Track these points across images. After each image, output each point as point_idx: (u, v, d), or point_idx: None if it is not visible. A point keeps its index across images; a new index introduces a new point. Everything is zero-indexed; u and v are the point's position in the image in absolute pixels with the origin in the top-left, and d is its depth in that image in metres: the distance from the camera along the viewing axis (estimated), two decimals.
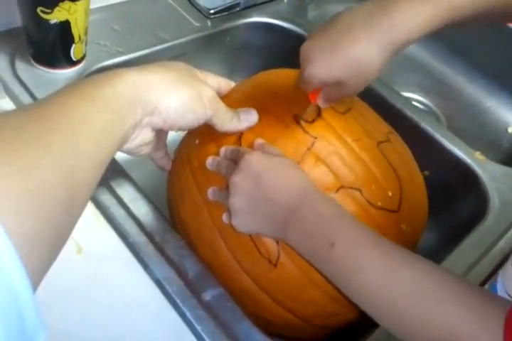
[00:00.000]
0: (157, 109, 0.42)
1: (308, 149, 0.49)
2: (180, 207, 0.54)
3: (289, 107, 0.52)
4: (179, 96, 0.43)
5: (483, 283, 0.56)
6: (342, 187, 0.49)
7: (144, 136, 0.45)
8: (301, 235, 0.43)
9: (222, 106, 0.48)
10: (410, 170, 0.56)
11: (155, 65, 0.45)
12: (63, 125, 0.33)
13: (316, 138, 0.50)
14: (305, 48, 0.44)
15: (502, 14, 0.45)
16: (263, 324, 0.50)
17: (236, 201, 0.46)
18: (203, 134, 0.51)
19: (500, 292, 0.43)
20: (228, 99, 0.52)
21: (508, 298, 0.41)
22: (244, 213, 0.46)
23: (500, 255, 0.60)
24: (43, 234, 0.28)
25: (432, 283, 0.38)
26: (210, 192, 0.50)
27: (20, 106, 0.60)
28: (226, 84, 0.54)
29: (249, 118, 0.50)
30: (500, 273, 0.44)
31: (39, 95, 0.61)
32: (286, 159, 0.47)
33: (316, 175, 0.48)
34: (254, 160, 0.45)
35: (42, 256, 0.28)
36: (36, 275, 0.27)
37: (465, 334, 0.34)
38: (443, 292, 0.37)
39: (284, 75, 0.58)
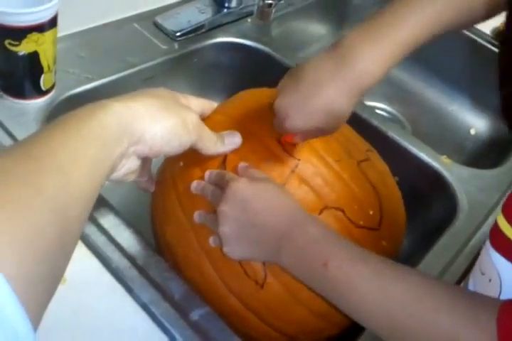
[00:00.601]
0: (143, 137, 0.42)
1: (292, 171, 0.51)
2: (165, 230, 0.54)
3: (271, 129, 0.52)
4: (165, 124, 0.44)
5: (458, 282, 0.58)
6: (325, 207, 0.50)
7: (131, 165, 0.46)
8: (294, 257, 0.45)
9: (206, 131, 0.48)
10: (389, 186, 0.57)
11: (138, 93, 0.45)
12: (51, 165, 0.33)
13: (299, 160, 0.51)
14: (279, 105, 0.47)
15: (468, 20, 0.48)
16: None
17: (226, 229, 0.47)
18: (187, 157, 0.52)
19: None
20: (211, 121, 0.53)
21: None
22: (235, 241, 0.47)
23: (473, 254, 0.62)
24: (40, 275, 0.29)
25: (426, 293, 0.40)
26: (197, 215, 0.51)
27: (2, 148, 0.60)
28: (209, 105, 0.55)
29: (233, 141, 0.51)
30: (470, 279, 0.46)
31: (10, 126, 0.61)
32: (271, 184, 0.49)
33: (300, 196, 0.50)
34: (240, 187, 0.47)
35: (40, 297, 0.29)
36: (36, 317, 0.28)
37: (465, 338, 0.36)
38: (438, 301, 0.39)
39: (264, 96, 0.59)
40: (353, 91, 0.45)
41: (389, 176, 0.59)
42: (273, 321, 0.51)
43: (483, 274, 0.43)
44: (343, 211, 0.50)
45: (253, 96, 0.59)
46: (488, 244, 0.42)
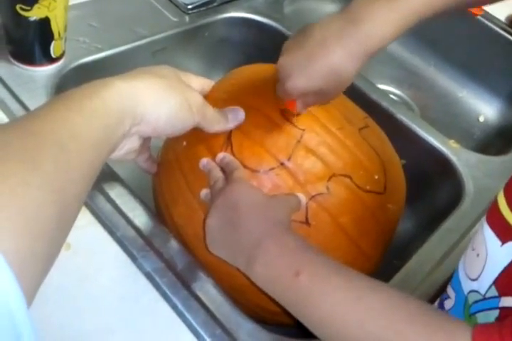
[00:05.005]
0: (145, 118, 0.42)
1: (298, 142, 0.51)
2: (173, 212, 0.54)
3: (273, 102, 0.52)
4: (169, 106, 0.43)
5: None
6: (333, 175, 0.51)
7: (132, 145, 0.46)
8: (265, 266, 0.43)
9: (209, 110, 0.48)
10: (388, 151, 0.58)
11: (142, 71, 0.45)
12: (52, 141, 0.33)
13: (303, 130, 0.51)
14: (283, 63, 0.46)
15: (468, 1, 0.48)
16: (266, 315, 0.51)
17: (212, 222, 0.47)
18: (191, 136, 0.51)
19: (461, 274, 0.45)
20: (212, 98, 0.53)
21: (469, 280, 0.43)
22: (215, 235, 0.47)
23: None
24: (36, 251, 0.29)
25: (401, 305, 0.39)
26: (203, 194, 0.51)
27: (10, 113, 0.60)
28: (208, 84, 0.54)
29: (237, 117, 0.51)
30: (462, 257, 0.46)
31: (19, 93, 0.61)
32: (273, 196, 0.48)
33: (308, 165, 0.50)
34: (241, 190, 0.47)
35: (36, 272, 0.29)
36: (30, 292, 0.28)
37: None
38: (413, 313, 0.38)
39: (261, 70, 0.59)
40: (359, 52, 0.44)
41: (387, 141, 0.60)
42: None
43: (473, 250, 0.43)
44: (350, 177, 0.51)
45: (250, 72, 0.60)
46: (483, 219, 0.42)
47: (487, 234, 0.41)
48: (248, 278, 0.49)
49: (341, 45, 0.43)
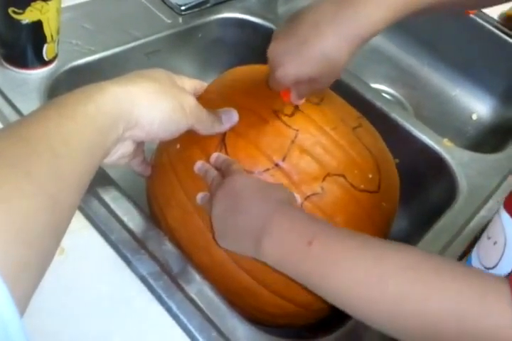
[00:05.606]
0: (139, 122, 0.42)
1: (292, 142, 0.51)
2: (167, 215, 0.54)
3: (266, 103, 0.53)
4: (162, 110, 0.43)
5: None
6: (328, 175, 0.51)
7: (125, 150, 0.46)
8: (275, 242, 0.42)
9: (203, 113, 0.48)
10: (381, 150, 0.59)
11: (136, 75, 0.45)
12: (45, 147, 0.32)
13: (297, 130, 0.52)
14: (272, 50, 0.45)
15: (462, 2, 0.47)
16: (264, 317, 0.51)
17: (216, 213, 0.47)
18: (184, 138, 0.51)
19: (475, 263, 0.45)
20: (204, 100, 0.53)
21: (483, 269, 0.43)
22: (222, 227, 0.47)
23: (471, 236, 0.62)
24: (29, 260, 0.28)
25: (425, 259, 0.37)
26: (199, 198, 0.51)
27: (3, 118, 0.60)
28: (200, 86, 0.54)
29: (231, 118, 0.51)
30: (475, 248, 0.47)
31: (11, 96, 0.61)
32: (272, 183, 0.49)
33: (302, 165, 0.50)
34: (241, 181, 0.47)
35: (28, 280, 0.29)
36: (23, 301, 0.28)
37: (472, 296, 0.34)
38: (439, 265, 0.37)
39: (254, 71, 0.59)
40: (353, 36, 0.42)
41: (380, 140, 0.60)
42: (286, 292, 0.51)
43: (489, 238, 0.43)
44: (344, 177, 0.51)
45: (243, 73, 0.60)
46: (501, 207, 0.42)
47: (505, 221, 0.41)
48: (245, 280, 0.49)
49: (334, 30, 0.42)
